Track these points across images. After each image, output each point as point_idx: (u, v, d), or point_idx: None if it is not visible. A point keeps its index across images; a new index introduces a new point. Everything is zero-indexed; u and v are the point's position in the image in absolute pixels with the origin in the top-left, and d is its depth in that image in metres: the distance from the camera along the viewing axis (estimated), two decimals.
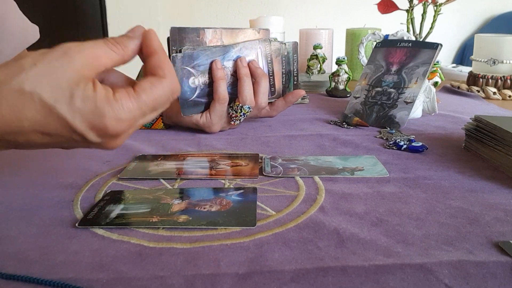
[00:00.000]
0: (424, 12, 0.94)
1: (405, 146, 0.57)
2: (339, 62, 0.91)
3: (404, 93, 0.68)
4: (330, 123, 0.71)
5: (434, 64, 0.82)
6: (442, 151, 0.57)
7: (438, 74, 0.87)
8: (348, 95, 0.91)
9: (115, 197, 0.42)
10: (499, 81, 0.95)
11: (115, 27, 2.03)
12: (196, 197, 0.42)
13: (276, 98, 0.69)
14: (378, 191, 0.44)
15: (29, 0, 0.69)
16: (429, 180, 0.47)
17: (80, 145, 0.34)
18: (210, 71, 0.62)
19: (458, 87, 0.98)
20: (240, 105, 0.63)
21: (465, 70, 1.24)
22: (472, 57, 1.01)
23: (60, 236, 0.36)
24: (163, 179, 0.48)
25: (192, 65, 0.61)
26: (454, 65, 1.36)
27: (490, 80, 0.96)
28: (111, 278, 0.30)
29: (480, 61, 0.98)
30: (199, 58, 0.61)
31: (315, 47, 1.04)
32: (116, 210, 0.39)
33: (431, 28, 0.94)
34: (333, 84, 0.93)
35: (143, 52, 0.36)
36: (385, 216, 0.39)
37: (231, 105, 0.64)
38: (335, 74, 0.92)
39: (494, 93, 0.92)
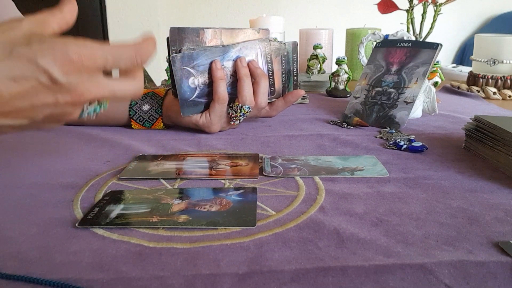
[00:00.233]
0: (424, 12, 0.94)
1: (405, 146, 0.57)
2: (339, 62, 0.91)
3: (404, 93, 0.68)
4: (330, 123, 0.71)
5: (434, 64, 0.82)
6: (442, 151, 0.57)
7: (438, 74, 0.87)
8: (348, 95, 0.91)
9: (115, 197, 0.42)
10: (499, 81, 0.95)
11: (115, 27, 2.03)
12: (196, 197, 0.42)
13: (276, 98, 0.69)
14: (378, 191, 0.44)
15: (29, 2, 0.69)
16: (429, 180, 0.47)
17: (56, 96, 0.33)
18: (210, 71, 0.62)
19: (458, 87, 0.98)
20: (240, 105, 0.63)
21: (465, 70, 1.24)
22: (472, 57, 1.01)
23: (60, 236, 0.36)
24: (163, 179, 0.48)
25: (192, 65, 0.61)
26: (454, 65, 1.36)
27: (490, 80, 0.96)
28: (111, 278, 0.30)
29: (480, 61, 0.98)
30: (198, 58, 0.61)
31: (315, 47, 1.04)
32: (116, 210, 0.39)
33: (431, 28, 0.94)
34: (333, 84, 0.93)
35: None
36: (385, 216, 0.39)
37: (230, 105, 0.64)
38: (335, 74, 0.92)
39: (494, 93, 0.92)
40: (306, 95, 0.90)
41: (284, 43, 0.69)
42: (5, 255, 0.33)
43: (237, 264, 0.32)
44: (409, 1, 0.95)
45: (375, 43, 0.79)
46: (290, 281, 0.30)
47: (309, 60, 1.04)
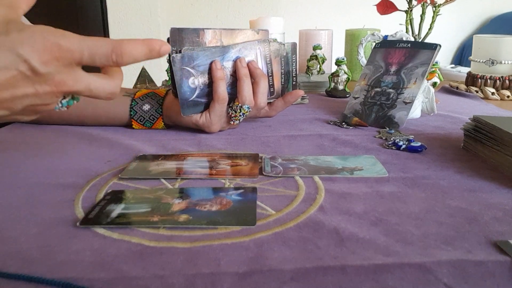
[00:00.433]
0: (423, 13, 0.95)
1: (404, 146, 0.57)
2: (338, 62, 0.91)
3: (403, 93, 0.68)
4: (330, 123, 0.71)
5: (433, 65, 0.82)
6: (441, 151, 0.57)
7: (437, 75, 0.88)
8: (347, 96, 0.91)
9: (116, 196, 0.43)
10: (498, 81, 0.95)
11: (116, 28, 2.04)
12: (196, 196, 0.43)
13: (275, 99, 0.69)
14: (377, 190, 0.45)
15: None
16: (428, 180, 0.47)
17: (35, 87, 0.34)
18: (210, 72, 0.62)
19: (457, 88, 0.98)
20: (240, 105, 0.63)
21: (463, 70, 1.24)
22: (471, 57, 1.01)
23: (61, 235, 0.36)
24: (164, 178, 0.48)
25: (192, 65, 0.61)
26: (453, 65, 1.37)
27: (488, 81, 0.96)
28: (112, 277, 0.30)
29: (479, 61, 0.98)
30: (198, 58, 0.61)
31: (315, 48, 1.04)
32: (117, 209, 0.40)
33: (430, 28, 0.94)
34: (332, 84, 0.93)
35: None
36: (384, 216, 0.39)
37: (230, 105, 0.64)
38: (334, 75, 0.92)
39: (493, 93, 0.93)
40: (305, 95, 0.90)
41: (284, 44, 0.69)
42: (6, 254, 0.33)
43: (237, 263, 0.32)
44: (408, 2, 0.95)
45: (374, 43, 0.79)
46: (289, 280, 0.30)
47: (309, 60, 1.05)
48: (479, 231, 0.36)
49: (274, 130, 0.68)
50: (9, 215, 0.39)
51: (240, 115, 0.64)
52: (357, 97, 0.73)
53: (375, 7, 1.00)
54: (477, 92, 0.95)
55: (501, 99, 0.92)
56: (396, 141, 0.59)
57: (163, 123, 0.67)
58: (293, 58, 0.70)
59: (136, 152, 0.57)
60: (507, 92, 0.92)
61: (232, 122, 0.65)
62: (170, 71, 0.61)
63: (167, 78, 0.93)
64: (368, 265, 0.31)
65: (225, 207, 0.40)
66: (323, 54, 1.05)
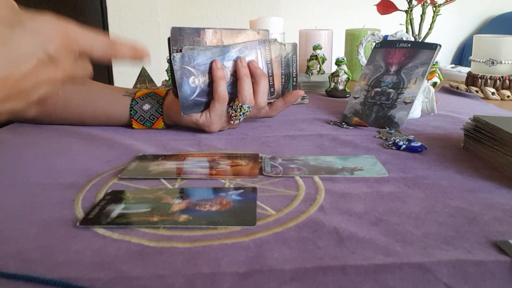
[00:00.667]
0: (423, 13, 0.95)
1: (404, 146, 0.57)
2: (338, 62, 0.91)
3: (403, 93, 0.68)
4: (330, 123, 0.71)
5: (433, 65, 0.82)
6: (441, 151, 0.57)
7: (437, 75, 0.88)
8: (347, 96, 0.91)
9: (116, 196, 0.43)
10: (498, 81, 0.95)
11: (115, 28, 2.04)
12: (196, 196, 0.43)
13: (276, 99, 0.69)
14: (377, 190, 0.45)
15: (30, 2, 0.70)
16: (428, 180, 0.47)
17: (51, 70, 0.35)
18: (210, 71, 0.62)
19: (457, 88, 0.98)
20: (240, 104, 0.63)
21: (464, 70, 1.24)
22: (471, 57, 1.01)
23: (61, 235, 0.36)
24: (164, 179, 0.48)
25: (192, 64, 0.61)
26: (453, 65, 1.37)
27: (488, 81, 0.96)
28: (112, 277, 0.30)
29: (479, 61, 0.98)
30: (199, 57, 0.61)
31: (315, 48, 1.04)
32: (117, 209, 0.40)
33: (430, 28, 0.94)
34: (332, 84, 0.93)
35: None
36: (384, 216, 0.39)
37: (230, 104, 0.64)
38: (334, 75, 0.92)
39: (493, 93, 0.93)
40: (305, 95, 0.90)
41: (284, 44, 0.69)
42: (6, 254, 0.33)
43: (237, 263, 0.32)
44: (408, 2, 0.95)
45: (374, 43, 0.79)
46: (289, 280, 0.30)
47: (309, 60, 1.04)
48: (479, 231, 0.36)
49: (274, 130, 0.68)
50: (9, 215, 0.39)
51: (240, 115, 0.64)
52: (357, 97, 0.73)
53: (375, 7, 1.00)
54: (477, 92, 0.95)
55: (501, 99, 0.92)
56: (396, 141, 0.59)
57: (163, 123, 0.67)
58: (294, 59, 0.70)
59: (136, 152, 0.57)
60: (507, 92, 0.92)
61: (232, 122, 0.65)
62: (171, 70, 0.61)
63: (167, 78, 0.93)
64: (368, 265, 0.31)
65: (225, 207, 0.40)
66: (323, 54, 1.05)
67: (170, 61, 0.61)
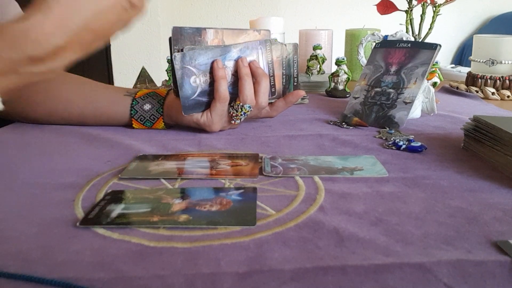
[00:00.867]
0: (423, 13, 0.95)
1: (404, 146, 0.57)
2: (338, 62, 0.91)
3: (403, 93, 0.68)
4: (330, 123, 0.71)
5: (433, 65, 0.82)
6: (441, 151, 0.57)
7: (437, 75, 0.88)
8: (347, 96, 0.91)
9: (116, 196, 0.43)
10: (498, 81, 0.95)
11: None
12: (196, 196, 0.43)
13: (276, 99, 0.69)
14: (377, 190, 0.45)
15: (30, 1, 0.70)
16: (428, 180, 0.47)
17: (131, 14, 0.43)
18: (211, 71, 0.62)
19: (457, 88, 0.98)
20: (241, 104, 0.63)
21: (464, 70, 1.24)
22: (471, 57, 1.01)
23: (61, 235, 0.36)
24: (164, 179, 0.48)
25: (194, 64, 0.61)
26: (453, 65, 1.37)
27: (488, 81, 0.96)
28: (112, 277, 0.30)
29: (479, 61, 0.98)
30: (200, 57, 0.61)
31: (315, 48, 1.04)
32: (117, 209, 0.40)
33: (430, 28, 0.94)
34: (332, 84, 0.93)
35: None
36: (384, 216, 0.39)
37: (231, 104, 0.64)
38: (334, 75, 0.92)
39: (493, 93, 0.93)
40: (305, 95, 0.90)
41: (285, 45, 0.69)
42: (6, 254, 0.33)
43: (237, 263, 0.32)
44: (408, 2, 0.95)
45: (374, 43, 0.79)
46: (290, 280, 0.30)
47: (309, 60, 1.04)
48: (479, 231, 0.36)
49: (274, 130, 0.68)
50: (9, 215, 0.39)
51: (241, 115, 0.64)
52: (357, 97, 0.73)
53: (375, 7, 1.00)
54: (477, 92, 0.95)
55: (501, 99, 0.92)
56: (396, 141, 0.59)
57: (163, 123, 0.67)
58: (295, 59, 0.70)
59: (136, 152, 0.57)
60: (507, 92, 0.92)
61: (233, 122, 0.65)
62: (172, 70, 0.61)
63: (167, 78, 0.93)
64: (368, 265, 0.31)
65: (225, 207, 0.40)
66: (323, 54, 1.05)
67: (171, 61, 0.61)
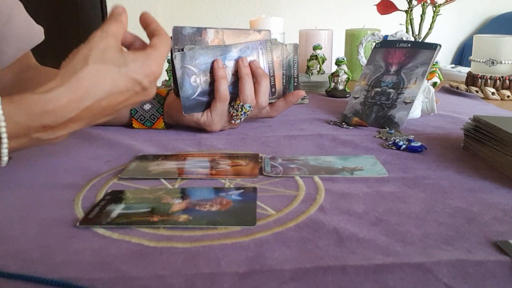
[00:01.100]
0: (423, 13, 0.95)
1: (404, 146, 0.57)
2: (338, 62, 0.91)
3: (403, 93, 0.68)
4: (330, 123, 0.71)
5: (433, 65, 0.82)
6: (441, 151, 0.57)
7: (437, 75, 0.88)
8: (347, 96, 0.91)
9: (116, 196, 0.43)
10: (498, 81, 0.95)
11: None
12: (196, 196, 0.43)
13: (277, 99, 0.69)
14: (377, 190, 0.45)
15: (30, 1, 0.70)
16: (428, 180, 0.47)
17: (140, 97, 0.47)
18: (212, 70, 0.62)
19: (457, 88, 0.98)
20: (241, 104, 0.63)
21: (464, 70, 1.24)
22: (471, 57, 1.01)
23: (61, 235, 0.36)
24: (164, 179, 0.48)
25: (194, 63, 0.61)
26: (453, 65, 1.37)
27: (488, 81, 0.96)
28: (112, 277, 0.30)
29: (479, 61, 0.98)
30: (201, 57, 0.61)
31: (315, 48, 1.04)
32: (117, 209, 0.40)
33: (430, 28, 0.94)
34: (332, 84, 0.93)
35: (142, 24, 0.52)
36: (384, 216, 0.39)
37: (232, 104, 0.64)
38: (334, 75, 0.92)
39: (493, 93, 0.93)
40: (306, 95, 0.90)
41: (285, 45, 0.69)
42: (6, 254, 0.33)
43: (237, 263, 0.32)
44: (408, 2, 0.95)
45: (374, 43, 0.79)
46: (289, 280, 0.30)
47: (309, 60, 1.04)
48: (479, 231, 0.36)
49: (274, 130, 0.68)
50: (9, 215, 0.39)
51: (241, 114, 0.64)
52: (357, 97, 0.73)
53: (375, 7, 1.00)
54: (477, 92, 0.95)
55: (501, 99, 0.92)
56: (396, 141, 0.59)
57: (163, 123, 0.67)
58: (295, 59, 0.70)
59: (136, 152, 0.57)
60: (507, 92, 0.92)
61: (233, 121, 0.65)
62: (172, 69, 0.61)
63: (167, 78, 0.93)
64: (368, 265, 0.31)
65: (225, 207, 0.40)
66: (323, 54, 1.05)
67: (171, 61, 0.61)
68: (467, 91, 0.96)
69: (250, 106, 0.64)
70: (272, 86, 0.68)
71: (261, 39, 0.67)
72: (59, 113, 0.41)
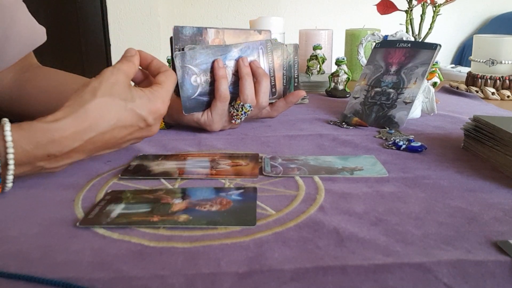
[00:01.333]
0: (423, 13, 0.95)
1: (404, 146, 0.57)
2: (338, 62, 0.91)
3: (403, 93, 0.68)
4: (330, 123, 0.71)
5: (433, 65, 0.82)
6: (441, 151, 0.57)
7: (437, 75, 0.88)
8: (347, 96, 0.91)
9: (116, 196, 0.43)
10: (498, 81, 0.95)
11: (115, 28, 2.04)
12: (196, 196, 0.43)
13: (277, 99, 0.69)
14: (377, 190, 0.45)
15: (30, 0, 0.70)
16: (428, 180, 0.47)
17: (143, 133, 0.49)
18: (212, 70, 0.62)
19: (457, 88, 0.98)
20: (241, 103, 0.63)
21: (464, 70, 1.24)
22: (471, 57, 1.01)
23: (61, 235, 0.36)
24: (164, 178, 0.48)
25: (194, 63, 0.61)
26: (453, 65, 1.37)
27: (488, 81, 0.96)
28: (112, 277, 0.30)
29: (479, 61, 0.98)
30: (201, 56, 0.61)
31: (315, 48, 1.04)
32: (117, 209, 0.40)
33: (430, 28, 0.94)
34: (332, 84, 0.93)
35: (142, 64, 0.54)
36: (384, 216, 0.39)
37: (232, 104, 0.64)
38: (334, 75, 0.92)
39: (493, 93, 0.93)
40: (306, 95, 0.90)
41: (285, 45, 0.69)
42: (6, 254, 0.33)
43: (237, 263, 0.32)
44: (408, 2, 0.95)
45: (374, 43, 0.79)
46: (290, 280, 0.30)
47: (309, 60, 1.05)
48: (479, 231, 0.36)
49: (274, 130, 0.68)
50: (9, 215, 0.39)
51: (242, 114, 0.64)
52: (357, 97, 0.73)
53: (375, 7, 1.00)
54: (477, 92, 0.95)
55: (501, 99, 0.92)
56: (396, 141, 0.59)
57: (163, 123, 0.67)
58: (295, 60, 0.70)
59: (136, 152, 0.57)
60: (507, 92, 0.92)
61: (233, 121, 0.65)
62: (172, 69, 0.61)
63: None
64: (368, 265, 0.31)
65: (225, 207, 0.40)
66: (323, 54, 1.05)
67: (171, 60, 0.61)
68: (467, 91, 0.96)
69: (250, 106, 0.64)
70: (273, 86, 0.68)
71: (261, 39, 0.67)
72: (64, 142, 0.42)
